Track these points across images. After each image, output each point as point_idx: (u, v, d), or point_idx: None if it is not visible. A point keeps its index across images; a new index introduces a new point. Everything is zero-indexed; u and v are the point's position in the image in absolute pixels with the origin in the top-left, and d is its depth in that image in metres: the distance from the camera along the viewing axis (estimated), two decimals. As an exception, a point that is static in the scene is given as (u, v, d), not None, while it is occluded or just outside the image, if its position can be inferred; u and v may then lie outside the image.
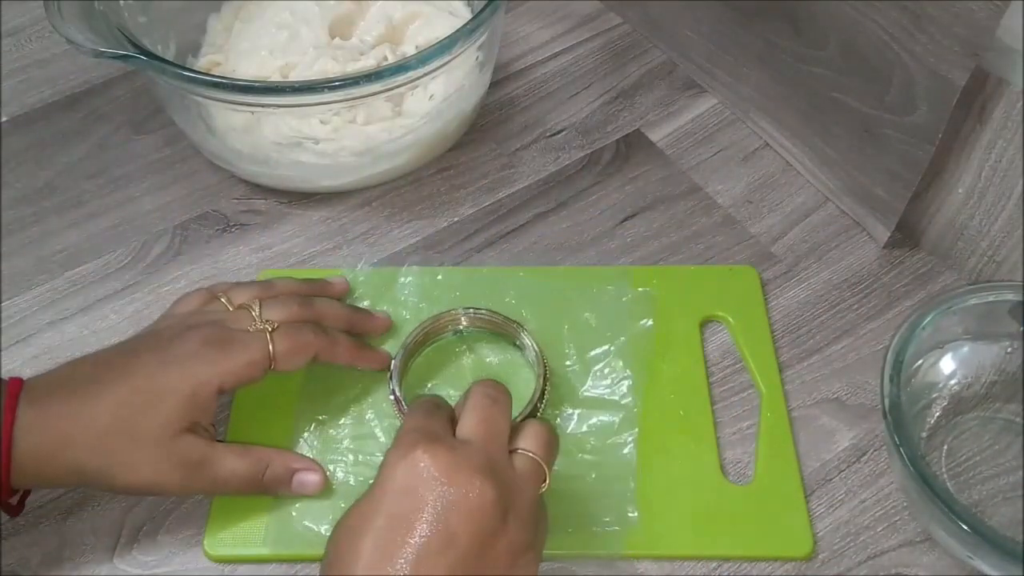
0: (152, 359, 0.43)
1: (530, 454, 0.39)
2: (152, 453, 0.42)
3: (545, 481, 0.39)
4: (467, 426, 0.39)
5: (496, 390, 0.41)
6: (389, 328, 0.53)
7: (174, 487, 0.43)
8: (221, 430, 0.49)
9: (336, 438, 0.48)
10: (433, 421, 0.39)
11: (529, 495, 0.38)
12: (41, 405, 0.41)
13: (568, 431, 0.48)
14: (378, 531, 0.35)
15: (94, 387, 0.42)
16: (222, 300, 0.47)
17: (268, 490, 0.45)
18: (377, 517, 0.35)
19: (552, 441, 0.40)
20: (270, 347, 0.45)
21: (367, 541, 0.35)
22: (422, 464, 0.36)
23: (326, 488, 0.46)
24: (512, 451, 0.39)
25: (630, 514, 0.45)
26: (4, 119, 0.66)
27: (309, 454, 0.48)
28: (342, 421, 0.49)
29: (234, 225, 0.60)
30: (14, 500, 0.44)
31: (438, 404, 0.41)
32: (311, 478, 0.46)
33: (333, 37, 0.63)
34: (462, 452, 0.37)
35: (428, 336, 0.51)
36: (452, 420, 0.40)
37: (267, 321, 0.46)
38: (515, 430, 0.40)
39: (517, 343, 0.51)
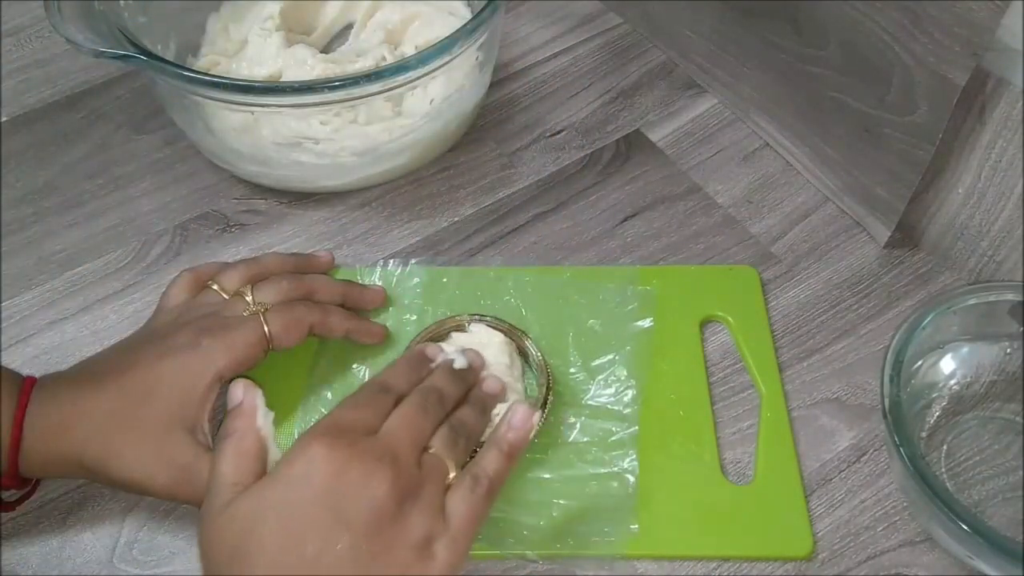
0: (151, 352, 0.44)
1: (432, 451, 0.40)
2: (143, 448, 0.42)
3: (449, 474, 0.39)
4: (390, 424, 0.40)
5: (431, 400, 0.42)
6: (384, 300, 0.53)
7: (160, 489, 0.42)
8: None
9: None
10: (359, 412, 0.40)
11: (432, 487, 0.38)
12: (48, 396, 0.42)
13: (570, 440, 0.48)
14: (276, 519, 0.36)
15: (97, 379, 0.43)
16: (214, 288, 0.48)
17: None
18: (274, 505, 0.36)
19: (461, 443, 0.41)
20: (265, 328, 0.46)
21: (265, 528, 0.36)
22: (319, 457, 0.36)
23: None
24: (424, 450, 0.40)
25: (631, 526, 0.45)
26: (4, 119, 0.66)
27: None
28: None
29: (234, 225, 0.60)
30: (13, 497, 0.44)
31: (383, 390, 0.42)
32: None
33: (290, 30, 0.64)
34: (362, 445, 0.37)
35: (433, 341, 0.51)
36: (387, 407, 0.41)
37: (259, 303, 0.47)
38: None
39: (522, 350, 0.51)
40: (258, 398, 0.40)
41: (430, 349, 0.47)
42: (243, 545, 0.36)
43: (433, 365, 0.46)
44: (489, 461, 0.40)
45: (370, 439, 0.38)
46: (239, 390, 0.41)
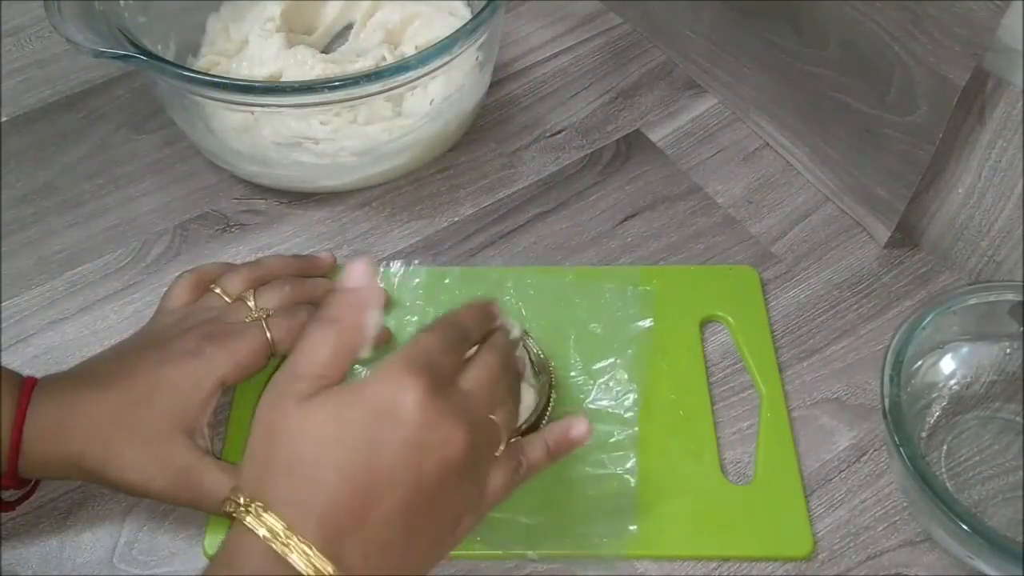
0: (153, 357, 0.44)
1: (496, 419, 0.39)
2: (143, 451, 0.42)
3: (500, 445, 0.39)
4: (474, 379, 0.38)
5: (506, 368, 0.41)
6: (387, 303, 0.53)
7: (159, 491, 0.42)
8: (220, 430, 0.49)
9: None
10: (447, 356, 0.38)
11: (485, 460, 0.38)
12: (49, 398, 0.42)
13: None
14: (351, 441, 0.34)
15: (98, 382, 0.43)
16: (216, 292, 0.48)
17: None
18: (354, 427, 0.34)
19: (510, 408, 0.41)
20: (267, 334, 0.46)
21: (337, 447, 0.34)
22: (412, 398, 0.35)
23: None
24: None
25: (631, 528, 0.45)
26: (4, 119, 0.66)
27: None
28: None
29: (234, 225, 0.60)
30: (13, 497, 0.44)
31: (463, 338, 0.40)
32: None
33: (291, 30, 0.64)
34: (454, 400, 0.36)
35: None
36: (465, 353, 0.40)
37: (262, 309, 0.47)
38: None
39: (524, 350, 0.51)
40: (375, 293, 0.38)
41: (494, 306, 0.45)
42: (304, 454, 0.34)
43: (496, 324, 0.44)
44: (535, 451, 0.40)
45: (458, 395, 0.37)
46: (359, 273, 0.38)
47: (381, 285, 0.54)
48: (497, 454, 0.39)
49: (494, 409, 0.39)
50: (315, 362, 0.36)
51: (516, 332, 0.45)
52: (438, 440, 0.35)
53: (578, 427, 0.42)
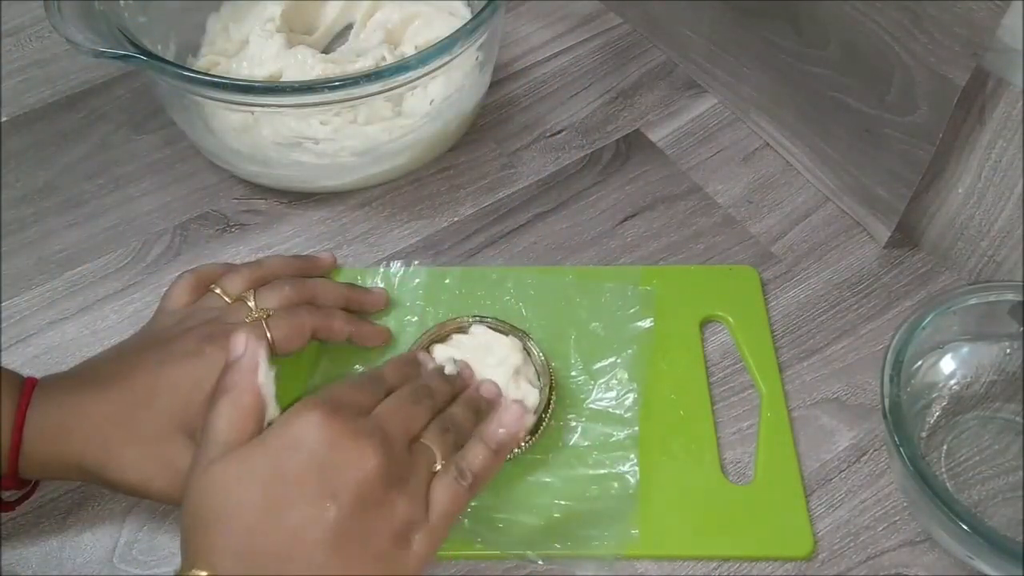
0: (153, 358, 0.44)
1: (422, 440, 0.40)
2: (142, 452, 0.42)
3: (436, 465, 0.39)
4: (382, 409, 0.39)
5: (422, 393, 0.42)
6: (386, 303, 0.54)
7: (157, 492, 0.42)
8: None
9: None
10: (354, 394, 0.39)
11: (418, 475, 0.38)
12: (49, 399, 0.42)
13: (571, 443, 0.48)
14: (262, 483, 0.35)
15: (98, 383, 0.43)
16: (216, 292, 0.48)
17: None
18: (262, 469, 0.35)
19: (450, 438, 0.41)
20: (268, 334, 0.46)
21: (250, 491, 0.35)
22: (313, 426, 0.36)
23: None
24: (414, 440, 0.40)
25: (632, 529, 0.45)
26: (4, 119, 0.66)
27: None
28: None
29: (234, 225, 0.60)
30: (13, 497, 0.44)
31: (377, 380, 0.42)
32: None
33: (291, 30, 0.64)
34: (356, 423, 0.37)
35: (434, 344, 0.50)
36: (380, 396, 0.41)
37: (262, 309, 0.47)
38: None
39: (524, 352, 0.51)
40: (260, 353, 0.39)
41: (421, 355, 0.47)
42: (223, 507, 0.35)
43: (424, 369, 0.46)
44: (475, 456, 0.40)
45: (364, 418, 0.38)
46: (240, 343, 0.39)
47: (382, 286, 0.54)
48: (434, 471, 0.39)
49: (414, 430, 0.40)
50: (219, 430, 0.37)
51: (451, 369, 0.46)
52: (345, 459, 0.36)
53: (509, 415, 0.41)
